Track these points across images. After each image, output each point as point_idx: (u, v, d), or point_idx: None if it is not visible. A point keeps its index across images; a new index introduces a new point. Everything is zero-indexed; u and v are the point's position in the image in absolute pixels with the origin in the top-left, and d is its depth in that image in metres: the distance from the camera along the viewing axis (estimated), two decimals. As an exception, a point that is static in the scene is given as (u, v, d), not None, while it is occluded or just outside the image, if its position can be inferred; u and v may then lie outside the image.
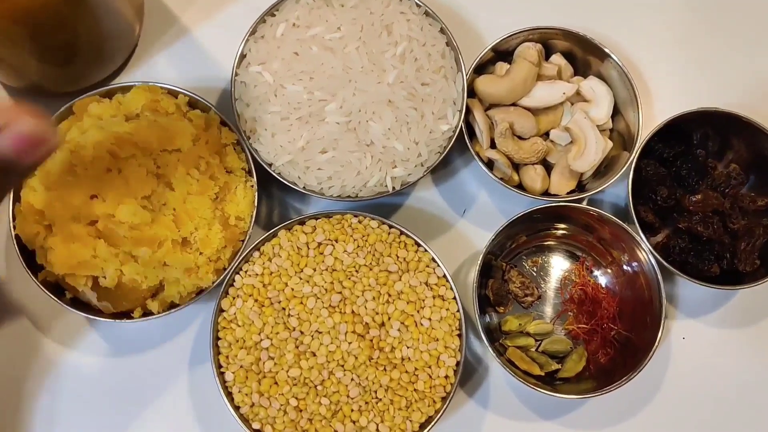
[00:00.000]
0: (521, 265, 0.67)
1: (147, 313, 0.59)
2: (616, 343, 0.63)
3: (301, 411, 0.57)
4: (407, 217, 0.67)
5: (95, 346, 0.64)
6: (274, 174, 0.61)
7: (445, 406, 0.58)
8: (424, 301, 0.59)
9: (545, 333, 0.65)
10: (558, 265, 0.67)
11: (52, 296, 0.58)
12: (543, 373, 0.63)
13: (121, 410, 0.63)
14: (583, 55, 0.67)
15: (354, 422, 0.57)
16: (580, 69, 0.68)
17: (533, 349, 0.64)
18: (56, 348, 0.63)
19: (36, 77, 0.62)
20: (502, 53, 0.67)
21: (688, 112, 0.64)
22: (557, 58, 0.67)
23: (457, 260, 0.67)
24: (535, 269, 0.67)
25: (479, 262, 0.60)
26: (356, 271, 0.59)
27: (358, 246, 0.60)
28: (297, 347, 0.58)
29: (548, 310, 0.66)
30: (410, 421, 0.58)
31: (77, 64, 0.62)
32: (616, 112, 0.66)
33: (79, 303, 0.59)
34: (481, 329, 0.59)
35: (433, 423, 0.57)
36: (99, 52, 0.63)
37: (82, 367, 0.63)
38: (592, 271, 0.66)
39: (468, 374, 0.65)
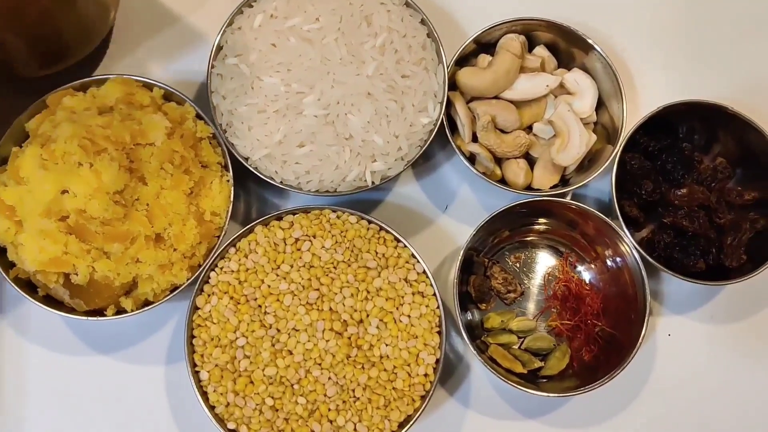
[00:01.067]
0: (504, 261, 0.66)
1: (120, 311, 0.57)
2: (600, 340, 0.62)
3: (277, 410, 0.56)
4: (387, 213, 0.66)
5: (69, 345, 0.62)
6: (250, 168, 0.60)
7: (424, 405, 0.57)
8: (403, 297, 0.58)
9: (528, 330, 0.64)
10: (541, 261, 0.66)
11: (24, 294, 0.56)
12: (526, 371, 0.62)
13: (95, 409, 0.62)
14: (566, 47, 0.66)
15: (331, 422, 0.56)
16: (564, 61, 0.67)
17: (516, 347, 0.63)
18: (29, 346, 0.62)
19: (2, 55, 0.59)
20: (485, 45, 0.66)
21: (673, 103, 0.62)
22: (541, 50, 0.66)
23: (438, 256, 0.66)
24: (517, 265, 0.66)
25: (460, 257, 0.59)
26: (334, 267, 0.58)
27: (337, 242, 0.59)
28: (273, 345, 0.57)
29: (531, 307, 0.65)
30: (389, 420, 0.57)
31: (48, 42, 0.59)
32: (600, 105, 0.65)
33: (52, 301, 0.58)
34: (462, 326, 0.58)
35: (412, 422, 0.56)
36: (71, 31, 0.60)
37: (55, 365, 0.62)
38: (575, 267, 0.65)
39: (448, 372, 0.64)
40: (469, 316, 0.64)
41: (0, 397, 0.61)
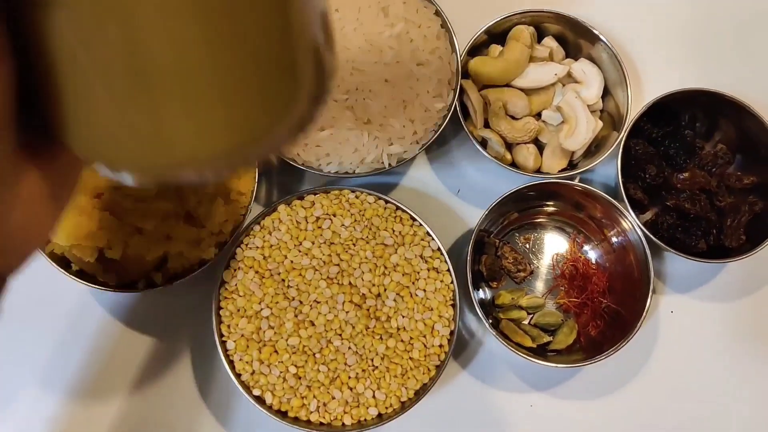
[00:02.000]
0: (514, 241, 0.69)
1: (151, 285, 0.60)
2: (606, 317, 0.65)
3: (300, 378, 0.59)
4: (403, 196, 0.69)
5: (100, 318, 0.66)
6: (274, 151, 0.63)
7: (439, 374, 0.60)
8: (419, 273, 0.61)
9: (537, 307, 0.67)
10: (550, 242, 0.69)
11: (59, 268, 0.60)
12: (535, 345, 0.65)
13: (125, 379, 0.65)
14: (574, 38, 0.69)
15: (351, 389, 0.59)
16: (572, 52, 0.70)
17: (525, 322, 0.66)
18: (61, 320, 0.65)
19: None
20: (496, 36, 0.69)
21: (674, 91, 0.65)
22: (549, 41, 0.69)
23: (451, 237, 0.69)
24: (527, 246, 0.69)
25: (472, 238, 0.62)
26: (353, 244, 0.61)
27: (355, 220, 0.62)
28: (296, 316, 0.60)
29: (540, 285, 0.68)
30: (405, 388, 0.60)
31: None
32: (606, 93, 0.68)
33: (84, 275, 0.61)
34: (475, 302, 0.61)
35: (427, 390, 0.59)
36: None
37: (87, 337, 0.65)
38: (582, 247, 0.68)
39: (462, 347, 0.67)
40: (481, 294, 0.67)
41: (33, 370, 0.64)
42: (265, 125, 0.23)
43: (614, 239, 0.67)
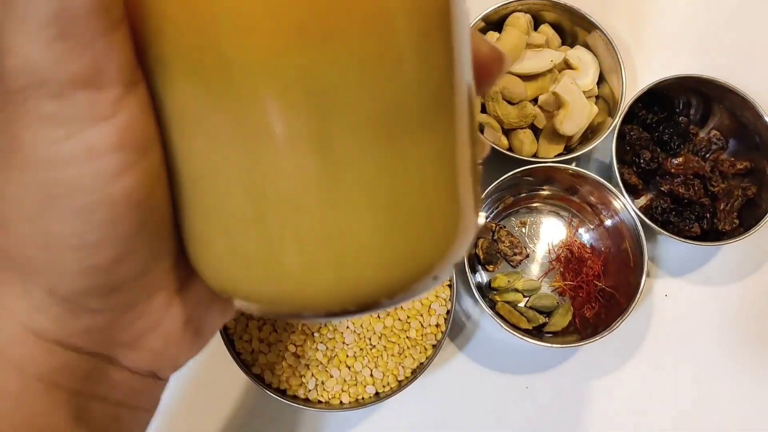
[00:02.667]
0: (510, 225, 0.70)
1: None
2: (600, 299, 0.66)
3: (298, 357, 0.60)
4: (401, 180, 0.70)
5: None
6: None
7: (435, 353, 0.61)
8: (416, 254, 0.62)
9: (533, 289, 0.68)
10: (545, 226, 0.70)
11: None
12: (531, 327, 0.65)
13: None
14: (570, 25, 0.70)
15: (349, 367, 0.60)
16: (568, 39, 0.71)
17: (521, 305, 0.67)
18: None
19: None
20: (493, 23, 0.70)
21: (669, 78, 0.66)
22: (545, 28, 0.70)
23: (449, 221, 0.70)
24: (523, 230, 0.70)
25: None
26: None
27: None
28: (295, 296, 0.60)
29: (536, 269, 0.69)
30: (402, 367, 0.60)
31: None
32: (601, 80, 0.69)
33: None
34: (472, 284, 0.62)
35: (424, 369, 0.60)
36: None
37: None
38: (577, 231, 0.69)
39: (458, 329, 0.67)
40: (477, 277, 0.68)
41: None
42: (421, 267, 0.22)
43: (609, 223, 0.68)
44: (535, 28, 0.71)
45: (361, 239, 0.21)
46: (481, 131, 0.67)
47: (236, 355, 0.60)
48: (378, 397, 0.60)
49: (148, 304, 0.24)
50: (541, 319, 0.66)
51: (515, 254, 0.68)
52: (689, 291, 0.69)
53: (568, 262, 0.68)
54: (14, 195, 0.20)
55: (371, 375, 0.60)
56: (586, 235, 0.69)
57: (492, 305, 0.66)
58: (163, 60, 0.20)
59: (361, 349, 0.60)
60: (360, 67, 0.19)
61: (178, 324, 0.26)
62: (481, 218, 0.66)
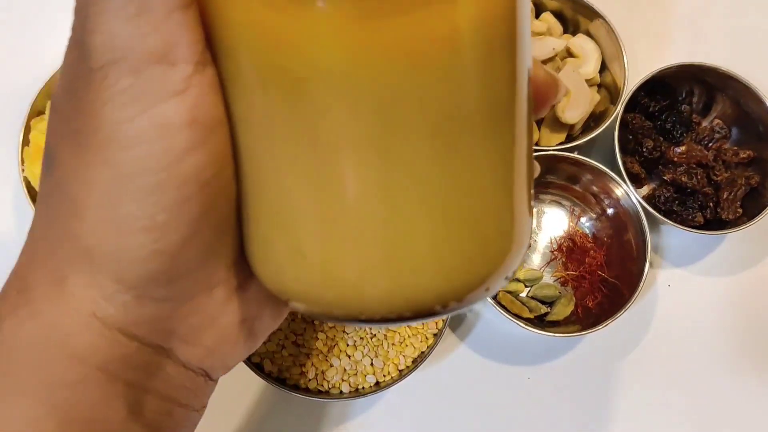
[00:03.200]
0: (512, 215, 0.69)
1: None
2: (603, 289, 0.66)
3: (298, 346, 0.60)
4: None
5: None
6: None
7: (437, 342, 0.60)
8: (417, 242, 0.61)
9: (535, 279, 0.67)
10: (547, 216, 0.70)
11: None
12: (532, 317, 0.65)
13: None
14: (572, 14, 0.70)
15: (349, 357, 0.60)
16: (570, 27, 0.71)
17: (523, 295, 0.67)
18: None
19: None
20: (495, 11, 0.70)
21: (672, 66, 0.66)
22: (547, 17, 0.70)
23: (450, 211, 0.69)
24: (525, 219, 0.69)
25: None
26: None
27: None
28: (295, 284, 0.60)
29: (538, 258, 0.69)
30: (403, 356, 0.60)
31: None
32: (603, 69, 0.69)
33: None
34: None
35: (425, 358, 0.60)
36: None
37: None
38: (580, 221, 0.69)
39: (460, 319, 0.67)
40: (478, 267, 0.67)
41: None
42: (475, 278, 0.23)
43: (611, 212, 0.67)
44: (537, 16, 0.70)
45: (420, 248, 0.21)
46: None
47: (235, 344, 0.60)
48: (378, 386, 0.59)
49: (208, 298, 0.25)
50: (543, 309, 0.65)
51: (517, 244, 0.68)
52: (692, 281, 0.69)
53: (571, 251, 0.68)
54: (91, 178, 0.22)
55: (371, 364, 0.60)
56: (588, 225, 0.69)
57: (494, 295, 0.66)
58: (236, 61, 0.21)
59: (361, 338, 0.60)
60: (427, 81, 0.20)
61: (233, 322, 0.27)
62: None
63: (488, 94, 0.21)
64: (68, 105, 0.22)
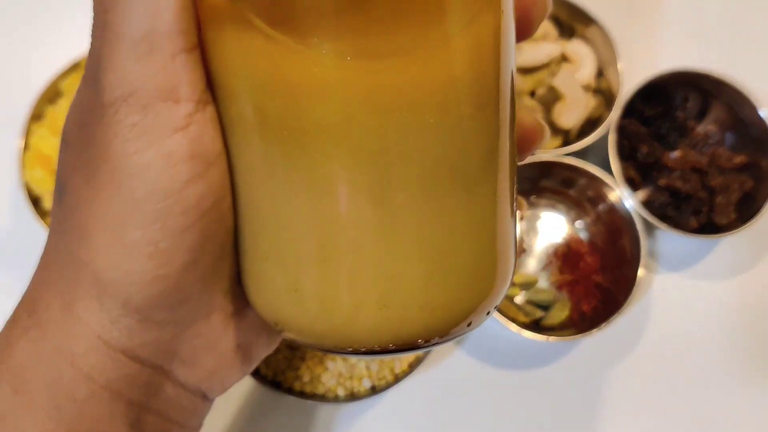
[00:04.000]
0: (508, 219, 0.70)
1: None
2: (598, 294, 0.66)
3: (294, 349, 0.60)
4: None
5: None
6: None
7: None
8: (413, 246, 0.62)
9: (530, 284, 0.67)
10: (543, 220, 0.70)
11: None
12: (528, 321, 0.65)
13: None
14: (568, 19, 0.70)
15: (345, 360, 0.60)
16: (566, 33, 0.71)
17: (518, 299, 0.67)
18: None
19: None
20: (491, 16, 0.70)
21: (667, 72, 0.67)
22: (543, 22, 0.70)
23: (446, 215, 0.69)
24: (521, 224, 0.70)
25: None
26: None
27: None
28: (291, 288, 0.60)
29: (533, 263, 0.69)
30: (399, 360, 0.60)
31: None
32: (599, 74, 0.69)
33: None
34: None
35: (420, 362, 0.60)
36: None
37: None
38: (575, 226, 0.69)
39: (456, 324, 0.67)
40: (474, 271, 0.68)
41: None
42: (459, 314, 0.24)
43: (606, 217, 0.67)
44: (533, 22, 0.71)
45: (408, 285, 0.23)
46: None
47: (231, 348, 0.60)
48: (374, 390, 0.60)
49: (207, 323, 0.27)
50: (539, 314, 0.66)
51: (512, 248, 0.68)
52: (687, 285, 0.69)
53: (566, 256, 0.68)
54: (99, 206, 0.23)
55: (367, 368, 0.60)
56: (583, 230, 0.69)
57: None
58: (235, 104, 0.23)
59: (357, 342, 0.60)
60: (418, 133, 0.22)
61: (231, 347, 0.29)
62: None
63: (474, 147, 0.23)
64: (79, 137, 0.24)
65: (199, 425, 0.31)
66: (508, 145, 0.24)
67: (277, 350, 0.59)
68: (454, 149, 0.22)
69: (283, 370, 0.59)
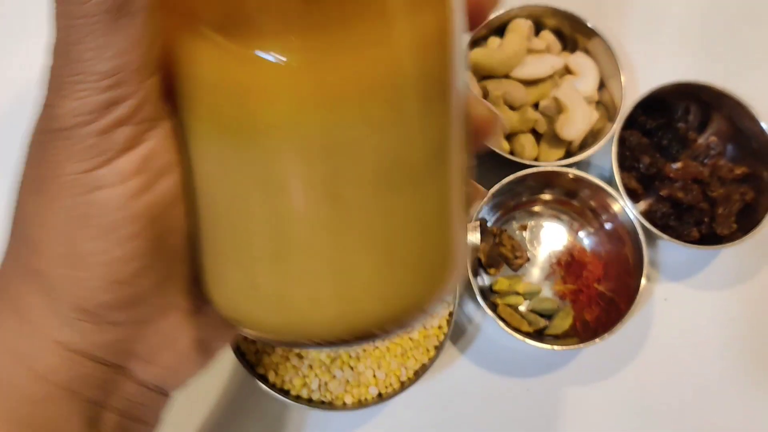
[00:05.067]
0: (511, 229, 0.71)
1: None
2: (601, 303, 0.67)
3: (302, 357, 0.61)
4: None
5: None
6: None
7: (438, 355, 0.61)
8: (419, 256, 0.63)
9: (534, 293, 0.68)
10: (546, 230, 0.71)
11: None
12: (531, 330, 0.66)
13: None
14: (571, 32, 0.71)
15: (352, 368, 0.61)
16: (568, 46, 0.72)
17: (522, 308, 0.68)
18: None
19: None
20: (494, 29, 0.71)
21: (668, 84, 0.67)
22: (546, 35, 0.71)
23: (450, 225, 0.70)
24: (525, 234, 0.71)
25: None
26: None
27: (358, 205, 0.63)
28: (299, 297, 0.61)
29: (537, 272, 0.70)
30: (405, 368, 0.61)
31: None
32: (601, 86, 0.70)
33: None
34: (475, 287, 0.63)
35: (426, 370, 0.61)
36: None
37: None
38: (578, 235, 0.70)
39: (460, 333, 0.68)
40: (480, 281, 0.68)
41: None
42: (413, 304, 0.25)
43: (609, 227, 0.68)
44: (536, 34, 0.72)
45: (361, 278, 0.23)
46: (483, 136, 0.68)
47: (241, 356, 0.61)
48: (381, 397, 0.60)
49: (164, 321, 0.27)
50: (542, 323, 0.67)
51: (516, 258, 0.69)
52: (688, 295, 0.70)
53: (569, 265, 0.69)
54: (49, 220, 0.24)
55: (374, 376, 0.61)
56: (586, 239, 0.70)
57: (493, 308, 0.67)
58: (193, 112, 0.23)
59: (364, 350, 0.61)
60: (364, 129, 0.22)
61: (189, 343, 0.29)
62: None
63: (422, 140, 0.23)
64: (35, 154, 0.24)
65: (157, 420, 0.32)
66: (458, 138, 0.25)
67: (286, 359, 0.60)
68: (401, 144, 0.23)
69: (291, 378, 0.60)
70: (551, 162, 0.68)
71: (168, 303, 0.27)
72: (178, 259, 0.26)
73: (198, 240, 0.26)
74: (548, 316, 0.68)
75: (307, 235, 0.23)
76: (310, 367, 0.61)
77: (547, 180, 0.68)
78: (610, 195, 0.66)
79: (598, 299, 0.67)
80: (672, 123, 0.71)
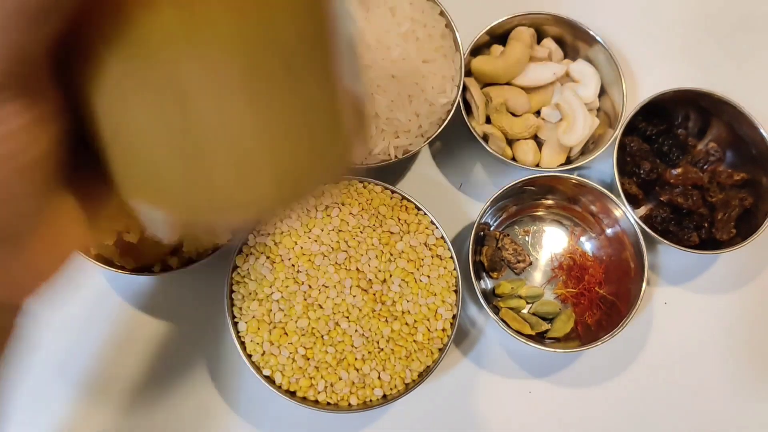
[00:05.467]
0: (514, 234, 0.72)
1: (166, 269, 0.63)
2: (602, 307, 0.68)
3: (308, 359, 0.62)
4: (407, 189, 0.72)
5: (115, 301, 0.68)
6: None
7: (441, 357, 0.62)
8: (423, 260, 0.64)
9: (536, 296, 0.69)
10: (548, 235, 0.72)
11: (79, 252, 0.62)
12: (533, 333, 0.67)
13: (137, 359, 0.67)
14: (572, 40, 0.73)
15: (357, 370, 0.62)
16: (570, 53, 0.73)
17: (524, 311, 0.69)
18: (78, 303, 0.68)
19: None
20: (497, 37, 0.72)
21: (668, 91, 0.69)
22: (548, 42, 0.73)
23: (453, 229, 0.72)
24: (527, 238, 0.72)
25: (473, 229, 0.65)
26: (361, 231, 0.64)
27: (363, 209, 0.65)
28: (305, 300, 0.62)
29: (539, 276, 0.71)
30: (410, 370, 0.62)
31: None
32: (602, 93, 0.72)
33: (102, 259, 0.63)
34: (477, 291, 0.64)
35: (430, 372, 0.62)
36: None
37: (102, 320, 0.67)
38: (579, 240, 0.71)
39: (463, 336, 0.69)
40: (482, 284, 0.69)
41: (50, 352, 0.66)
42: (307, 175, 0.27)
43: (610, 232, 0.69)
44: (538, 42, 0.73)
45: (256, 156, 0.26)
46: (486, 141, 0.69)
47: (248, 357, 0.62)
48: (386, 399, 0.61)
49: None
50: (544, 326, 0.68)
51: (519, 262, 0.70)
52: (688, 299, 0.71)
53: (570, 269, 0.70)
54: None
55: (379, 377, 0.62)
56: (587, 244, 0.71)
57: (496, 311, 0.68)
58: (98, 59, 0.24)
59: (369, 352, 0.62)
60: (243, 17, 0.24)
61: (65, 223, 0.28)
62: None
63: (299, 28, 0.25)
64: None
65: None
66: (333, 46, 0.27)
67: (293, 360, 0.61)
68: (282, 36, 0.24)
69: (298, 380, 0.61)
70: (553, 168, 0.69)
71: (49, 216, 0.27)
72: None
73: (105, 156, 0.26)
74: (550, 319, 0.69)
75: (206, 123, 0.24)
76: (317, 368, 0.62)
77: (549, 185, 0.69)
78: (611, 200, 0.67)
79: (599, 303, 0.68)
80: (672, 129, 0.72)
